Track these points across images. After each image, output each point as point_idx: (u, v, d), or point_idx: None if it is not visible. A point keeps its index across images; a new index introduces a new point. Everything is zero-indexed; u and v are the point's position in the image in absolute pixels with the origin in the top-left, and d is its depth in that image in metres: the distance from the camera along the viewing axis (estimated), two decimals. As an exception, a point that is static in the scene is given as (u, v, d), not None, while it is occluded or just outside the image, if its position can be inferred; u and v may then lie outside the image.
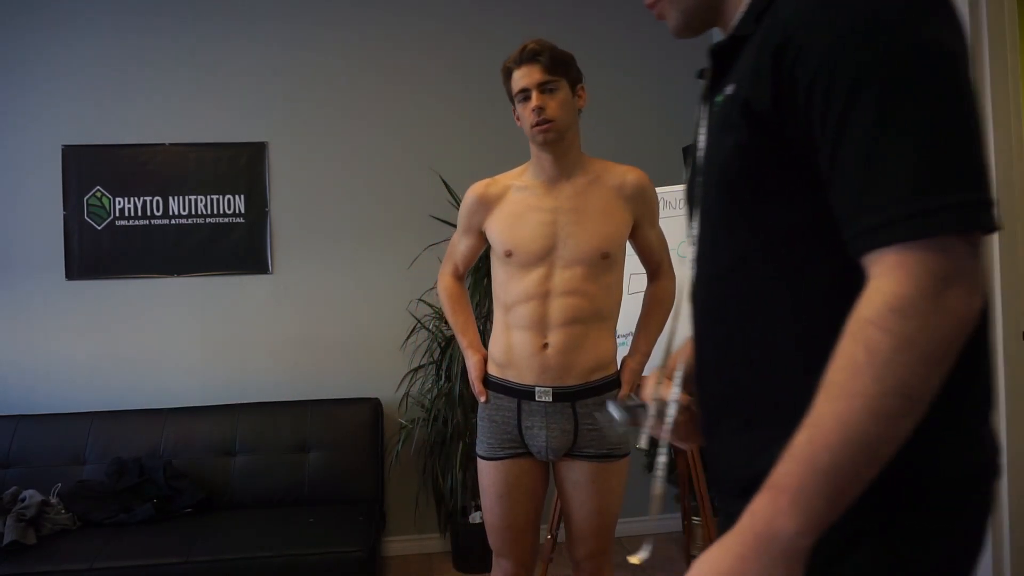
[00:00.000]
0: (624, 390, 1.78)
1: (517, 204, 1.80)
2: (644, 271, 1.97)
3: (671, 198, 2.57)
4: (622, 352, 1.96)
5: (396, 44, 3.52)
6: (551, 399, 1.73)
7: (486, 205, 1.84)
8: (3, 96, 3.27)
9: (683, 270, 2.39)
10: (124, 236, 3.34)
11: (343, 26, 3.49)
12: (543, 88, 1.69)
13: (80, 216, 3.30)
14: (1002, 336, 2.03)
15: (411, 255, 3.47)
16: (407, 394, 3.40)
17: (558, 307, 1.73)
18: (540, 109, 1.68)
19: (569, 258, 1.73)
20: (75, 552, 2.52)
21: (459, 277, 2.00)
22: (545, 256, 1.74)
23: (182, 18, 3.40)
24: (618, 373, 1.83)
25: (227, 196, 3.41)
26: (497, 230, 1.80)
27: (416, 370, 3.41)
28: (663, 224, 2.52)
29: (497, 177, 1.88)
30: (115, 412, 3.11)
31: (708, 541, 2.41)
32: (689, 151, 3.30)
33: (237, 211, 3.41)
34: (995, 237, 2.03)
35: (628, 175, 1.79)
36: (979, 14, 2.05)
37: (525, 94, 1.71)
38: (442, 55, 3.54)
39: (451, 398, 3.18)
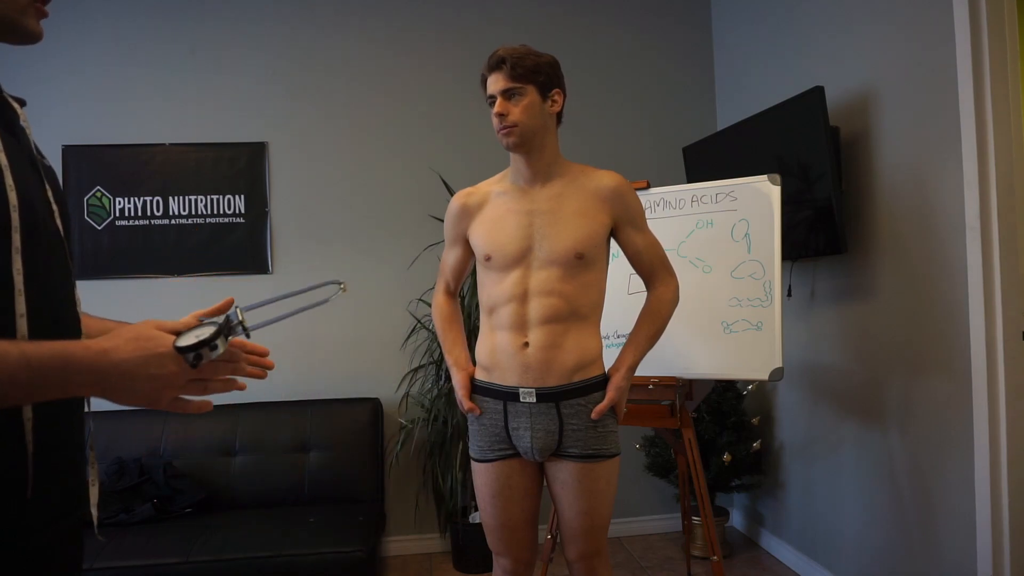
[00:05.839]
0: (603, 406, 1.76)
1: (497, 209, 1.83)
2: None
3: (671, 198, 2.57)
4: (612, 353, 1.97)
5: (396, 44, 3.53)
6: (535, 400, 1.74)
7: (468, 213, 1.88)
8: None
9: (689, 273, 2.40)
10: (124, 236, 3.34)
11: (343, 27, 3.49)
12: (507, 94, 1.74)
13: (80, 216, 3.30)
14: (1002, 336, 2.03)
15: (411, 255, 3.47)
16: (407, 394, 3.40)
17: (536, 307, 1.75)
18: (501, 115, 1.73)
19: (544, 259, 1.75)
20: (75, 552, 2.53)
21: (451, 293, 2.02)
22: (522, 258, 1.77)
23: (182, 19, 3.40)
24: (604, 374, 1.82)
25: (227, 196, 3.41)
26: (478, 235, 1.84)
27: (416, 370, 3.42)
28: (663, 224, 2.54)
29: (478, 185, 1.92)
30: (115, 412, 3.10)
31: (708, 541, 2.41)
32: (688, 151, 3.31)
33: (237, 211, 3.41)
34: (995, 237, 2.03)
35: (605, 178, 1.81)
36: (979, 14, 2.05)
37: (492, 100, 1.77)
38: (442, 55, 3.54)
39: (451, 398, 3.18)
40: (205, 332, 0.84)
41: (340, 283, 1.02)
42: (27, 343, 0.81)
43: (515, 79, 1.72)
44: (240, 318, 0.87)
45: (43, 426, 0.88)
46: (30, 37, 0.91)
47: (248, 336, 0.89)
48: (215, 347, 0.84)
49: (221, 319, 0.86)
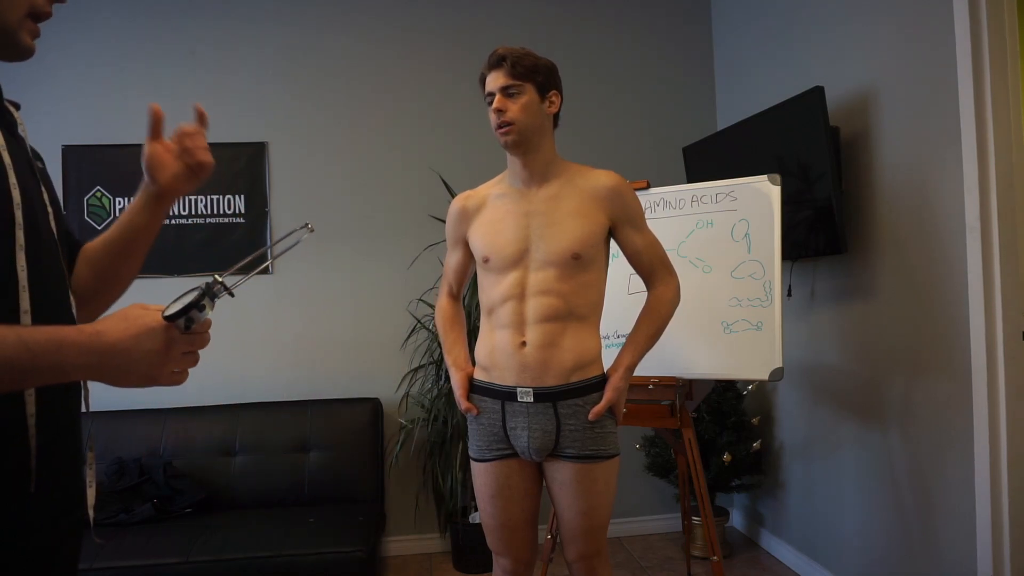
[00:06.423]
0: (601, 407, 1.75)
1: (495, 211, 1.84)
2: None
3: (671, 198, 2.57)
4: (612, 353, 1.97)
5: (396, 44, 3.53)
6: (532, 399, 1.74)
7: (467, 216, 1.89)
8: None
9: (689, 273, 2.40)
10: (124, 236, 3.34)
11: (343, 27, 3.49)
12: (506, 92, 1.74)
13: (80, 216, 3.30)
14: (1002, 336, 2.03)
15: (411, 255, 3.47)
16: (407, 394, 3.40)
17: (534, 306, 1.75)
18: (500, 112, 1.74)
19: (542, 260, 1.76)
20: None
21: (454, 296, 2.02)
22: (520, 259, 1.78)
23: (182, 19, 3.40)
24: (603, 374, 1.82)
25: (227, 196, 3.41)
26: (477, 238, 1.85)
27: (416, 370, 3.42)
28: (663, 224, 2.54)
29: (477, 188, 1.93)
30: (115, 412, 3.11)
31: (708, 541, 2.41)
32: (688, 151, 3.30)
33: (237, 211, 3.41)
34: (995, 237, 2.03)
35: (602, 178, 1.81)
36: (979, 14, 2.05)
37: (491, 98, 1.77)
38: (442, 55, 3.54)
39: (451, 398, 3.17)
40: (189, 297, 0.85)
41: (307, 224, 1.04)
42: (22, 328, 0.81)
43: (514, 76, 1.73)
44: (220, 279, 0.89)
45: (45, 423, 0.89)
46: (23, 53, 0.93)
47: (232, 295, 0.91)
48: (203, 308, 0.85)
49: (203, 284, 0.88)
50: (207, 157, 1.07)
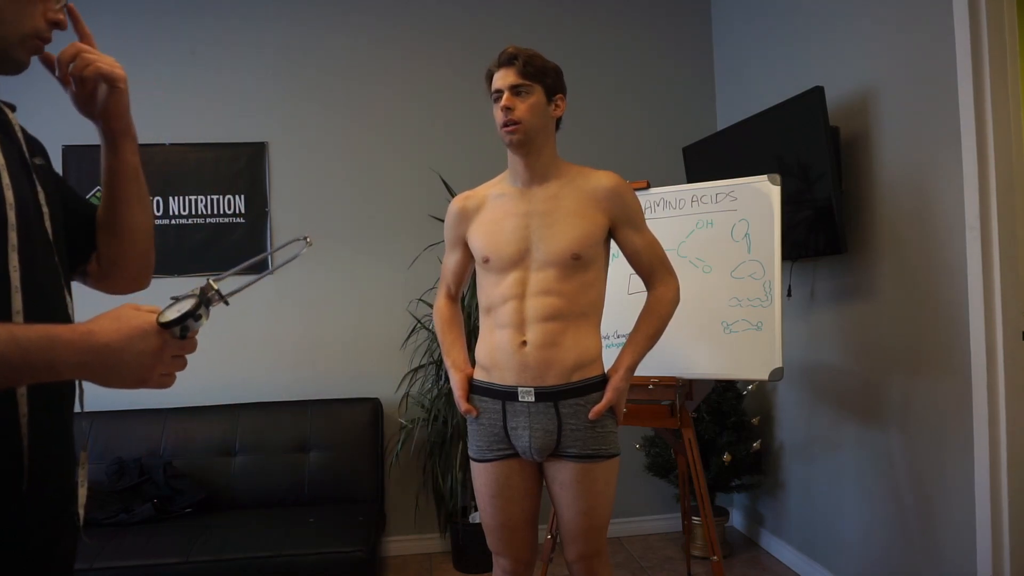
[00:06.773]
0: (601, 406, 1.75)
1: (495, 211, 1.84)
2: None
3: (671, 198, 2.57)
4: (612, 353, 1.97)
5: (396, 44, 3.53)
6: (533, 399, 1.75)
7: (467, 216, 1.89)
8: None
9: (689, 273, 2.40)
10: (124, 236, 3.34)
11: (343, 27, 3.50)
12: (515, 91, 1.74)
13: (80, 216, 3.30)
14: (1002, 336, 2.03)
15: (411, 255, 3.47)
16: (407, 394, 3.40)
17: (534, 305, 1.75)
18: (508, 109, 1.73)
19: (542, 260, 1.76)
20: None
21: (452, 297, 2.02)
22: (520, 260, 1.78)
23: (182, 18, 3.40)
24: (603, 374, 1.82)
25: (227, 196, 3.41)
26: (476, 238, 1.85)
27: (416, 370, 3.42)
28: (663, 224, 2.54)
29: (476, 188, 1.93)
30: (115, 412, 3.11)
31: (708, 541, 2.41)
32: (688, 151, 3.30)
33: (237, 211, 3.41)
34: (995, 237, 2.03)
35: (602, 179, 1.81)
36: (979, 15, 2.05)
37: (498, 95, 1.77)
38: (442, 55, 3.54)
39: (451, 398, 3.17)
40: (186, 305, 0.85)
41: (306, 237, 1.03)
42: (15, 325, 0.82)
43: (525, 76, 1.73)
44: (215, 287, 0.89)
45: (37, 422, 0.89)
46: (16, 68, 0.93)
47: (227, 303, 0.91)
48: (199, 317, 0.86)
49: (198, 290, 0.88)
50: (100, 68, 1.01)
